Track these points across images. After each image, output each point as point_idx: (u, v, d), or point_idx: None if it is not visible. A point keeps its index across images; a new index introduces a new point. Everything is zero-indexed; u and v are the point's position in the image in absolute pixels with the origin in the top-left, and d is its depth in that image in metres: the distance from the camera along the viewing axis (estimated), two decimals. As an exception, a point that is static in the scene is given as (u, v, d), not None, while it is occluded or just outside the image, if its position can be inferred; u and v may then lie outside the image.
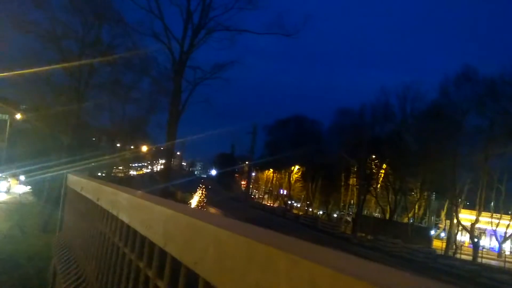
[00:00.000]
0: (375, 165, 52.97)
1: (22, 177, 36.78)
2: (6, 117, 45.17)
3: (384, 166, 51.85)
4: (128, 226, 2.59)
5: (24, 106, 33.09)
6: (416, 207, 53.18)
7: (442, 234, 50.39)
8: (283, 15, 52.40)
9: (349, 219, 58.74)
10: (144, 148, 51.27)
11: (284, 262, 0.94)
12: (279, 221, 41.94)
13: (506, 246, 45.33)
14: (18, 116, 36.23)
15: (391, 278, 0.79)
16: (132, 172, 74.33)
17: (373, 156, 51.77)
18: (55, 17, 23.45)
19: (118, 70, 27.29)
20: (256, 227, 1.36)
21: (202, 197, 37.48)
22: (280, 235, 1.23)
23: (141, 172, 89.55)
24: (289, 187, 75.31)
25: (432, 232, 51.15)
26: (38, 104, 25.54)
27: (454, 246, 42.31)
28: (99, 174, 36.17)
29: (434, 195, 54.12)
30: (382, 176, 52.55)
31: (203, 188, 38.10)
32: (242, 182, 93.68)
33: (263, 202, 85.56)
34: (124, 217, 2.75)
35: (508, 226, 43.08)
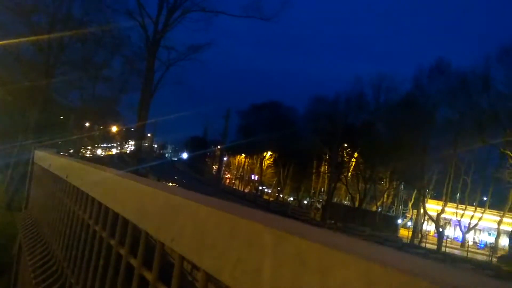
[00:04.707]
0: (347, 153, 53.68)
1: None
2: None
3: (356, 154, 52.58)
4: (100, 203, 2.52)
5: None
6: (385, 196, 54.29)
7: (409, 223, 51.66)
8: (261, -1, 51.99)
9: (319, 206, 59.50)
10: (114, 129, 50.45)
11: (269, 237, 0.89)
12: (250, 206, 42.09)
13: (469, 236, 46.87)
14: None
15: (380, 253, 0.76)
16: (101, 152, 73.18)
17: (345, 145, 52.41)
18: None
19: (90, 47, 26.69)
20: (238, 205, 1.32)
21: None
22: (263, 212, 1.19)
23: (110, 153, 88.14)
24: (261, 173, 75.62)
25: (399, 221, 52.40)
26: (4, 78, 24.80)
27: (419, 235, 43.45)
28: (66, 153, 35.55)
29: (402, 185, 55.27)
30: (353, 164, 53.29)
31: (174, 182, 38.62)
32: (214, 166, 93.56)
33: (234, 187, 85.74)
34: (95, 194, 2.67)
35: (472, 217, 44.51)
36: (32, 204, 6.16)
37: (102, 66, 28.83)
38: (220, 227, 1.11)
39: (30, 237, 4.85)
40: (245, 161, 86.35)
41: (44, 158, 5.30)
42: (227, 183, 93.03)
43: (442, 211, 41.60)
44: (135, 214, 1.83)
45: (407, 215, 54.57)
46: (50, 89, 24.36)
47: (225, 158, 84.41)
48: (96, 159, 44.63)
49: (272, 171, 75.13)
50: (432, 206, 45.15)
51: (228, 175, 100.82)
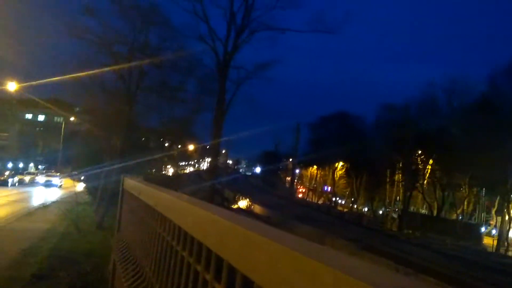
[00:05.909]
0: (421, 160, 51.85)
1: (77, 177, 38.53)
2: (61, 119, 47.28)
3: (431, 161, 50.65)
4: (186, 232, 2.78)
5: (77, 109, 34.34)
6: (465, 203, 51.70)
7: (493, 231, 48.78)
8: (325, 12, 52.28)
9: (395, 215, 57.71)
10: (191, 147, 52.33)
11: (328, 276, 1.06)
12: (324, 218, 41.78)
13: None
14: (72, 118, 37.74)
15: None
16: (180, 170, 75.81)
17: (419, 152, 50.72)
18: (105, 23, 24.37)
19: (166, 72, 27.92)
20: (304, 240, 1.53)
21: (249, 201, 39.03)
22: (325, 248, 1.40)
23: (188, 171, 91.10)
24: (333, 184, 74.80)
25: (482, 229, 49.63)
26: (91, 107, 26.61)
27: (505, 243, 40.95)
28: (148, 171, 37.43)
29: (483, 191, 52.38)
30: (428, 171, 51.34)
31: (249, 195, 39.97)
32: (287, 179, 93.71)
33: (308, 199, 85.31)
34: (181, 224, 2.93)
35: None
36: (123, 227, 6.71)
37: (177, 89, 30.10)
38: (288, 263, 1.32)
39: (123, 258, 5.34)
40: (317, 173, 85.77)
41: (133, 185, 5.81)
42: (300, 195, 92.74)
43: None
44: (217, 245, 2.11)
45: (491, 222, 51.52)
46: (132, 114, 25.73)
47: (297, 171, 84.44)
48: (176, 177, 46.58)
49: (345, 181, 74.11)
50: (518, 213, 42.43)
51: (301, 187, 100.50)
